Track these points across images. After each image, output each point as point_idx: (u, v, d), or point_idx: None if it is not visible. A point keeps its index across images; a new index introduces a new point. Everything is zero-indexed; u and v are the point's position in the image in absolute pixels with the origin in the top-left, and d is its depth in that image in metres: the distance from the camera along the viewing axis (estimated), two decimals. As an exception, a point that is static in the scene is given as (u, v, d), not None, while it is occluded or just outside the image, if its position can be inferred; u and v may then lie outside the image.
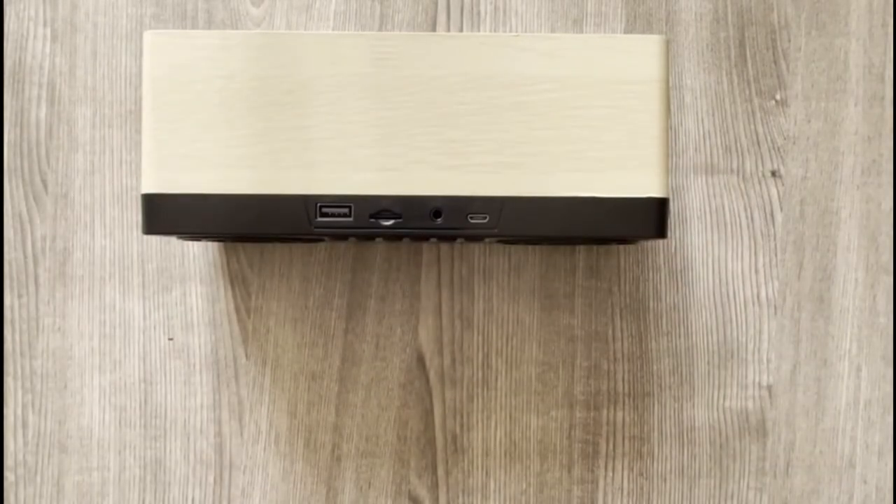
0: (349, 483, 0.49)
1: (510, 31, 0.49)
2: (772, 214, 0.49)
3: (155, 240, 0.49)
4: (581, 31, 0.49)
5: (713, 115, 0.49)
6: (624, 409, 0.49)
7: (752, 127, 0.49)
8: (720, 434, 0.49)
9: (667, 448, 0.49)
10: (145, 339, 0.49)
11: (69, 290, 0.49)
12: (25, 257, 0.49)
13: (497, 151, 0.39)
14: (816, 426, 0.49)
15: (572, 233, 0.39)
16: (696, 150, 0.49)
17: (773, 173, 0.49)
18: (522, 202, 0.39)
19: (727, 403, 0.49)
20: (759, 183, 0.49)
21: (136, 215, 0.49)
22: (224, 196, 0.39)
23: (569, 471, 0.48)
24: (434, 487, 0.49)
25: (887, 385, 0.49)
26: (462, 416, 0.49)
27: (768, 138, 0.49)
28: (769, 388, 0.49)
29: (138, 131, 0.48)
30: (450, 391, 0.49)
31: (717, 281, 0.49)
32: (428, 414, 0.49)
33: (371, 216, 0.39)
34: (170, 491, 0.48)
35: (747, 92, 0.49)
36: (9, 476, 0.49)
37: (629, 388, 0.49)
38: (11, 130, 0.49)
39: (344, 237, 0.42)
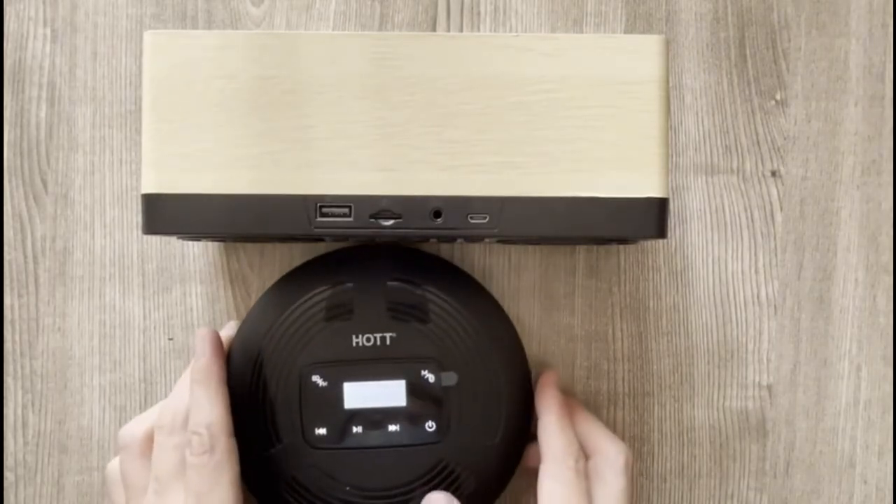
0: (349, 483, 0.49)
1: (510, 31, 0.49)
2: (772, 214, 0.49)
3: (155, 240, 0.49)
4: (581, 31, 0.49)
5: (713, 115, 0.49)
6: (624, 409, 0.49)
7: (752, 127, 0.49)
8: (720, 434, 0.49)
9: (667, 448, 0.49)
10: (145, 339, 0.49)
11: (69, 290, 0.49)
12: (25, 257, 0.49)
13: (497, 151, 0.39)
14: (816, 426, 0.49)
15: (572, 233, 0.39)
16: (696, 150, 0.49)
17: (773, 173, 0.49)
18: (522, 202, 0.38)
19: (727, 403, 0.49)
20: (759, 183, 0.49)
21: (136, 215, 0.49)
22: (224, 196, 0.38)
23: (569, 471, 0.48)
24: (434, 487, 0.48)
25: (887, 385, 0.49)
26: (462, 416, 0.49)
27: (768, 138, 0.49)
28: (769, 388, 0.49)
29: (138, 131, 0.48)
30: (450, 391, 0.49)
31: (717, 281, 0.49)
32: (428, 414, 0.49)
33: (371, 216, 0.39)
34: (170, 491, 0.48)
35: (747, 92, 0.49)
36: (9, 476, 0.49)
37: (629, 388, 0.49)
38: (11, 130, 0.49)
39: (344, 237, 0.42)
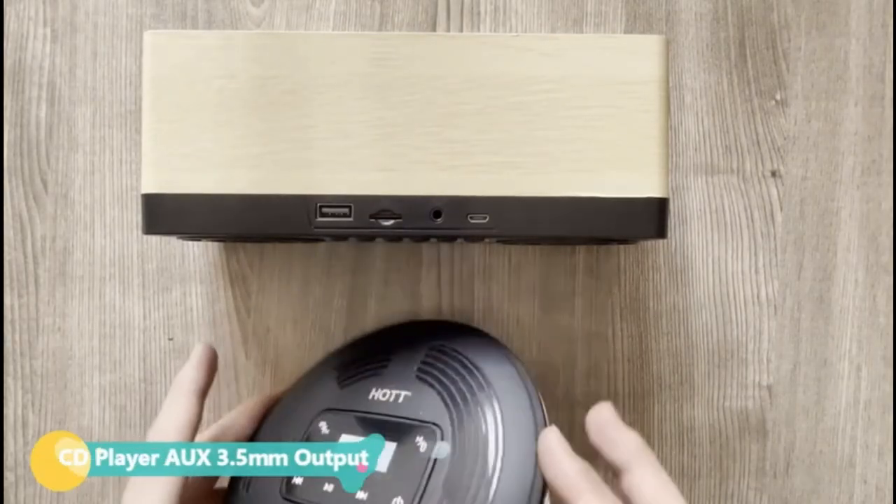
0: (349, 483, 0.49)
1: (510, 31, 0.49)
2: (772, 214, 0.49)
3: (155, 240, 0.49)
4: (581, 31, 0.49)
5: (713, 115, 0.49)
6: (624, 409, 0.49)
7: (752, 127, 0.49)
8: (720, 434, 0.49)
9: (667, 448, 0.49)
10: (145, 339, 0.49)
11: (69, 290, 0.49)
12: (25, 257, 0.49)
13: (497, 151, 0.39)
14: (816, 426, 0.49)
15: (572, 233, 0.39)
16: (696, 150, 0.49)
17: (773, 173, 0.49)
18: (522, 202, 0.38)
19: (727, 403, 0.49)
20: (759, 183, 0.49)
21: (136, 215, 0.49)
22: (224, 196, 0.38)
23: (569, 471, 0.48)
24: (434, 487, 0.48)
25: (887, 385, 0.49)
26: (462, 416, 0.49)
27: (768, 138, 0.49)
28: (769, 388, 0.49)
29: (138, 131, 0.48)
30: (450, 391, 0.49)
31: (717, 281, 0.49)
32: (428, 414, 0.49)
33: (371, 216, 0.39)
34: (170, 491, 0.48)
35: (747, 92, 0.49)
36: (9, 476, 0.49)
37: (629, 388, 0.49)
38: (11, 130, 0.49)
39: (344, 237, 0.42)
